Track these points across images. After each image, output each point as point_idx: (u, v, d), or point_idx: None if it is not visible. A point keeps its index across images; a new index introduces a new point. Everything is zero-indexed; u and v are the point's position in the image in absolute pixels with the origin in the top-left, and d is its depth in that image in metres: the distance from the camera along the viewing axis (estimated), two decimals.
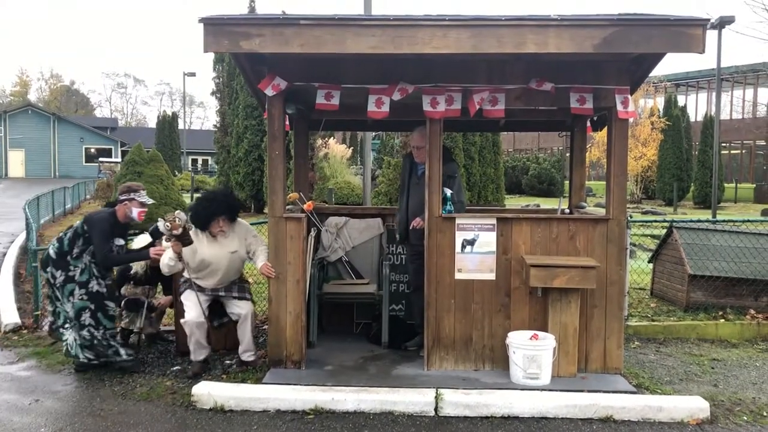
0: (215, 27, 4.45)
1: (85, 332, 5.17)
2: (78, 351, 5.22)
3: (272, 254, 5.11)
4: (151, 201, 5.44)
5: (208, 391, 4.61)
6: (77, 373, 5.31)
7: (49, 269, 5.23)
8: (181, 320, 5.23)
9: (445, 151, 5.38)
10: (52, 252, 5.25)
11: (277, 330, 5.14)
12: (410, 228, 5.48)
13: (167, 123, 43.52)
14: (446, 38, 4.38)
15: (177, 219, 4.95)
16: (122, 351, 5.29)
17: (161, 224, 5.05)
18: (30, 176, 46.34)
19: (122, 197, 5.27)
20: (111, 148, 50.27)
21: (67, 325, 5.26)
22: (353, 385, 4.77)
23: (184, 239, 5.02)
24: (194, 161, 55.38)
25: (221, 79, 21.79)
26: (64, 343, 5.30)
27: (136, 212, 5.25)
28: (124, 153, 43.41)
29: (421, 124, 5.33)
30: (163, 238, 5.14)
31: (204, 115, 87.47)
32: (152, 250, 5.22)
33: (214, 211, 5.19)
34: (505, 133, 33.95)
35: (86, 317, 5.17)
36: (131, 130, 61.85)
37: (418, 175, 5.60)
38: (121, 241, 5.33)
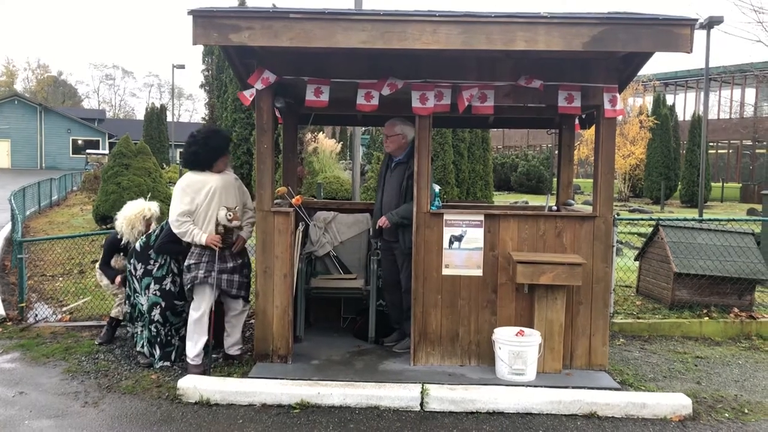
0: (204, 19, 4.42)
1: (152, 327, 5.27)
2: (143, 343, 5.33)
3: (260, 248, 5.10)
4: (134, 213, 5.61)
5: (194, 385, 4.60)
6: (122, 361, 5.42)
7: (132, 261, 5.39)
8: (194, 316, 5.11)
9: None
10: (138, 245, 5.40)
11: (264, 324, 5.14)
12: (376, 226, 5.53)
13: (155, 115, 43.26)
14: (436, 34, 4.38)
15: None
16: (173, 356, 5.36)
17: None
18: (16, 167, 45.94)
19: None
20: (98, 140, 49.91)
21: (138, 319, 5.40)
22: (339, 379, 4.78)
23: (228, 236, 5.06)
24: (182, 154, 55.11)
25: (210, 72, 21.68)
26: (134, 334, 5.44)
27: None
28: (111, 145, 43.16)
29: (395, 118, 5.51)
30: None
31: (193, 108, 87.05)
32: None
33: (219, 144, 5.13)
34: (495, 129, 34.01)
35: (156, 313, 5.27)
36: (119, 122, 61.41)
37: (392, 168, 5.61)
38: None
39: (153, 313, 5.26)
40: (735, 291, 6.93)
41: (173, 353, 5.35)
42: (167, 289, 5.28)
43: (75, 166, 42.19)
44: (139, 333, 5.40)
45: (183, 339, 5.33)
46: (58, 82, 79.19)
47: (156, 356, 5.29)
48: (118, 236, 5.74)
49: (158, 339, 5.28)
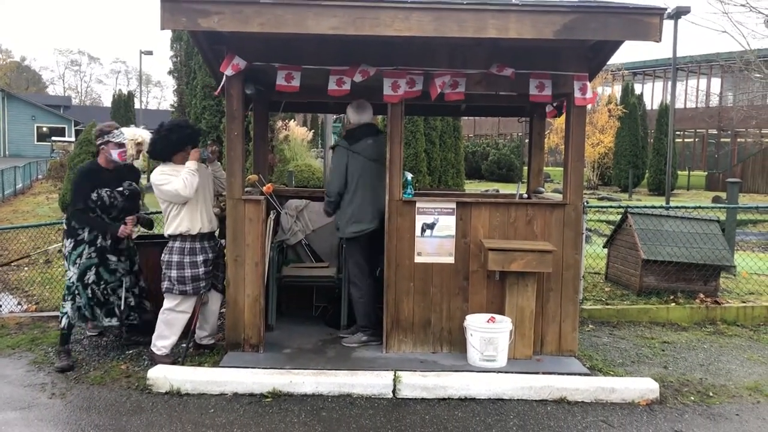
0: (173, 3, 4.34)
1: (88, 291, 5.09)
2: (77, 314, 5.08)
3: (230, 237, 5.04)
4: (127, 139, 5.25)
5: (164, 375, 4.56)
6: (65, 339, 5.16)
7: (64, 241, 5.22)
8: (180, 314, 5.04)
9: (369, 127, 5.42)
10: (65, 224, 5.26)
11: (235, 313, 5.10)
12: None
13: (123, 102, 42.48)
14: (408, 21, 4.36)
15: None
16: (117, 312, 5.20)
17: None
18: None
19: (98, 142, 5.18)
20: (64, 127, 48.89)
21: (67, 297, 5.11)
22: (312, 368, 4.77)
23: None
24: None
25: (179, 58, 21.26)
26: (64, 317, 5.09)
27: (115, 154, 5.13)
28: (77, 132, 42.24)
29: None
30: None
31: (161, 95, 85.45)
32: (122, 230, 5.05)
33: (189, 137, 5.10)
34: (466, 118, 34.12)
35: (90, 275, 5.09)
36: (85, 109, 60.14)
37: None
38: (120, 187, 5.18)
39: (87, 276, 5.06)
40: (701, 277, 7.06)
41: (116, 310, 5.19)
42: (99, 246, 5.11)
43: (40, 153, 41.31)
44: (70, 308, 5.08)
45: (120, 299, 5.20)
46: (22, 68, 77.12)
47: (100, 316, 5.14)
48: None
49: (96, 299, 5.11)
